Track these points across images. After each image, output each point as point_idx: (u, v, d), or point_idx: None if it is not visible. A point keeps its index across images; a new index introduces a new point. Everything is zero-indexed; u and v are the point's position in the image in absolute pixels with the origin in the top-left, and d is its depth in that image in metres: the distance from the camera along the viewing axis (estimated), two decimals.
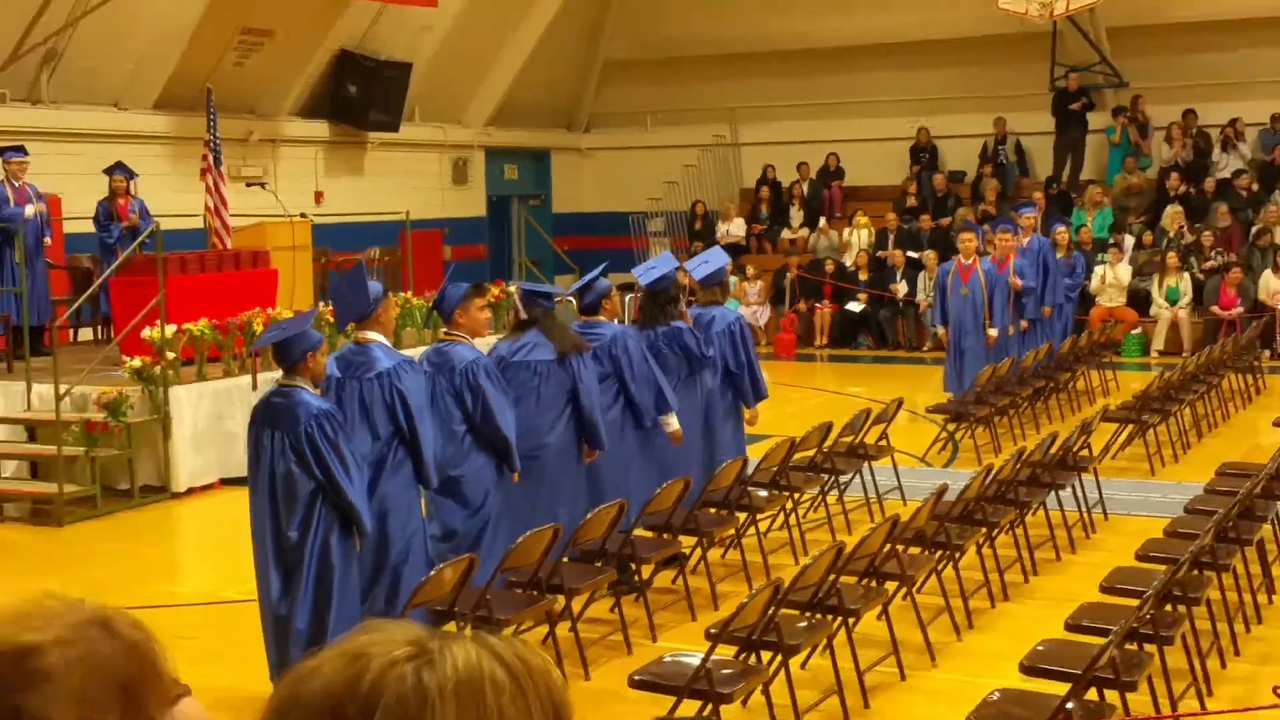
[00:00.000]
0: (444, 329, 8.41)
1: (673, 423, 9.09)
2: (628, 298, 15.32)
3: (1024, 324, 15.23)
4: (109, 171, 14.99)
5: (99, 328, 15.28)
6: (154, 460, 12.19)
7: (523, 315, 8.92)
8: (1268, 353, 18.02)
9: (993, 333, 14.35)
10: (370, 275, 8.30)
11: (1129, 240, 20.40)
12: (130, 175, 15.05)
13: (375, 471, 7.38)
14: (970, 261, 14.44)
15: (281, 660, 6.86)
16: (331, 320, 11.97)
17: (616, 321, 9.48)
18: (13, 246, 13.74)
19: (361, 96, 20.42)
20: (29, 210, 13.95)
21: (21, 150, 14.52)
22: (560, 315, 9.04)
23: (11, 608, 1.40)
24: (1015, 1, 20.90)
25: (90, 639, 1.37)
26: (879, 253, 21.66)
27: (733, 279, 19.08)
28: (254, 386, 12.36)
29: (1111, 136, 22.24)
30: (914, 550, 7.88)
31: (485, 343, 8.85)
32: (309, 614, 6.88)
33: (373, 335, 7.64)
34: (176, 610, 8.73)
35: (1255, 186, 20.94)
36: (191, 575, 10.58)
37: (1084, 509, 10.16)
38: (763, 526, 9.63)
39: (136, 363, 12.11)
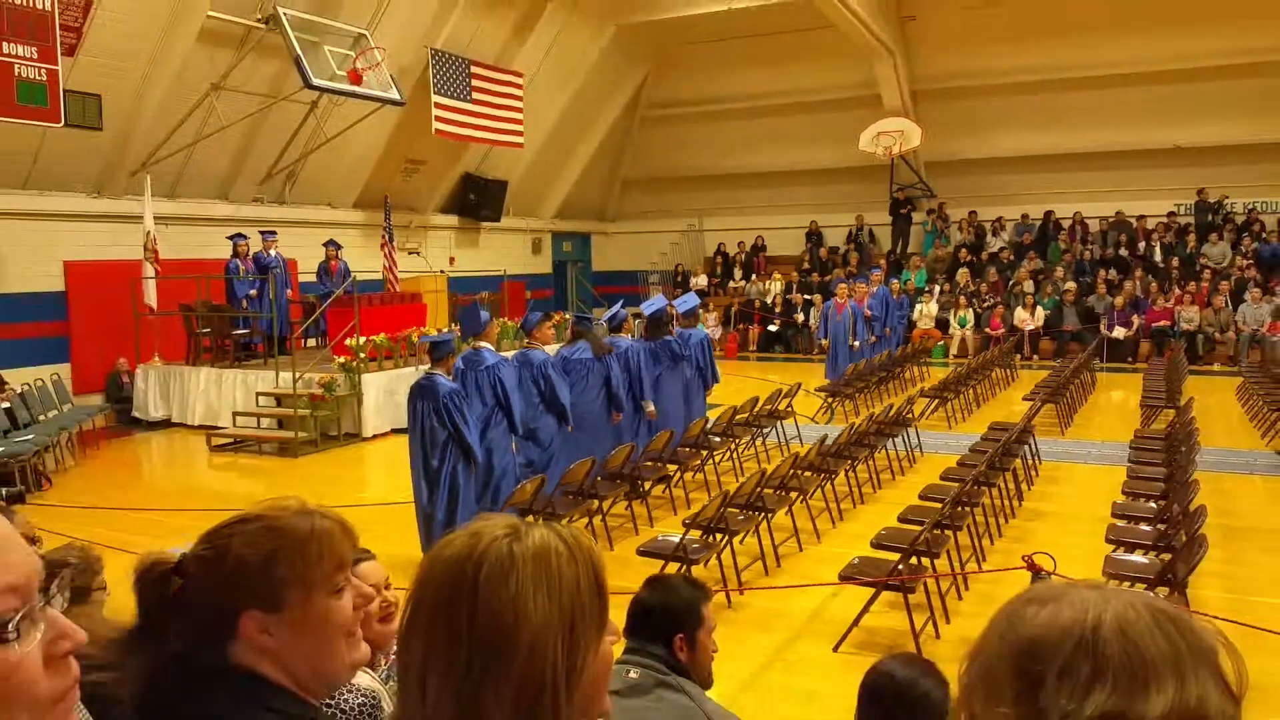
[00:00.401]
0: (526, 340, 8.41)
1: (649, 407, 9.07)
2: (636, 321, 15.28)
3: (873, 338, 15.19)
4: (325, 245, 14.97)
5: (319, 339, 15.27)
6: (352, 418, 12.19)
7: (574, 330, 8.92)
8: (1019, 356, 17.95)
9: (855, 344, 14.37)
10: (481, 307, 8.27)
11: (937, 289, 20.34)
12: (338, 247, 15.04)
13: (484, 426, 7.39)
14: (843, 301, 14.50)
15: (428, 538, 6.86)
16: (460, 334, 11.97)
17: (630, 337, 9.48)
18: (268, 289, 13.76)
19: (478, 201, 20.38)
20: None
21: (274, 233, 14.50)
22: (597, 331, 9.03)
23: (267, 501, 1.42)
24: (869, 146, 20.87)
25: (292, 518, 1.38)
26: (787, 295, 21.61)
27: (701, 311, 19.02)
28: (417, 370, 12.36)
29: (926, 226, 22.16)
30: (808, 474, 7.88)
31: (552, 349, 8.84)
32: (444, 510, 6.89)
33: (483, 344, 7.64)
34: (366, 509, 8.73)
35: (1011, 257, 20.85)
36: (375, 487, 10.59)
37: (909, 449, 10.14)
38: (717, 459, 9.62)
39: (342, 359, 12.11)
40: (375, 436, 12.17)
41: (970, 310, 19.37)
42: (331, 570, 1.37)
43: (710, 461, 9.40)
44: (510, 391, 7.44)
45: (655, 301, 10.03)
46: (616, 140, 24.03)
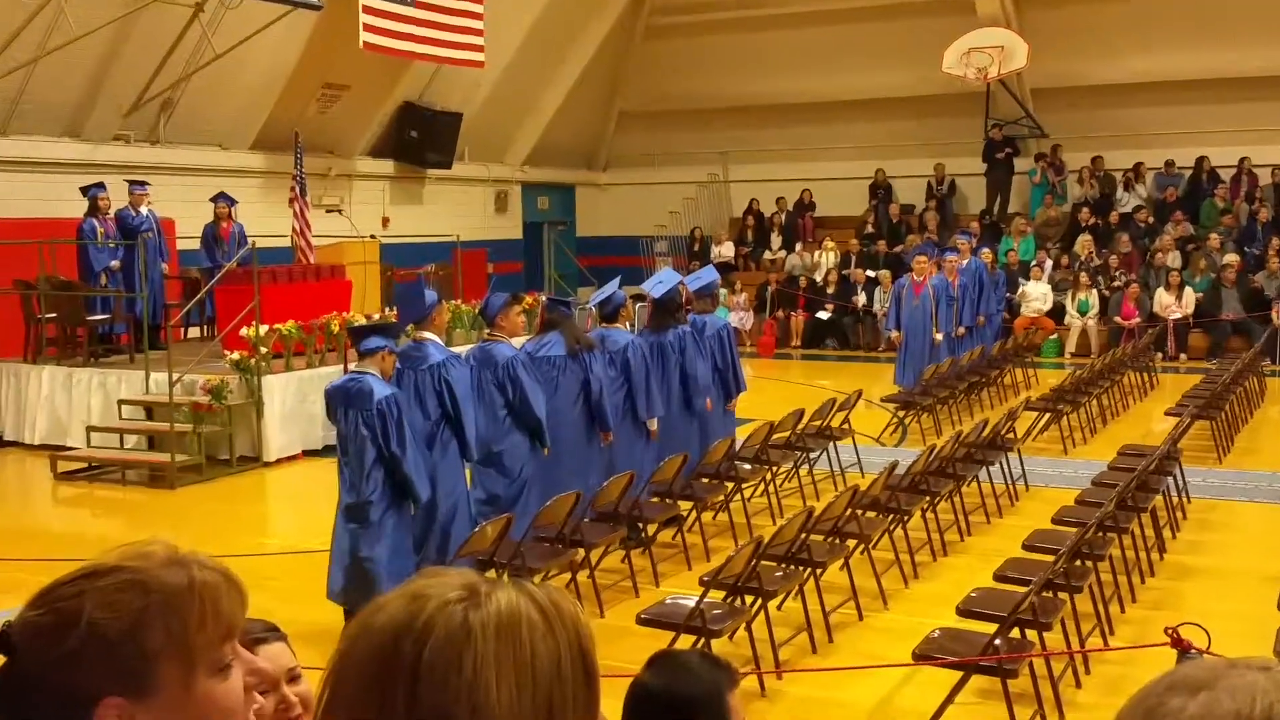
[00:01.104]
0: (487, 330, 8.40)
1: (652, 425, 9.08)
2: (638, 306, 15.28)
3: (961, 330, 15.21)
4: (214, 200, 14.98)
5: (205, 327, 15.28)
6: (249, 435, 12.19)
7: (545, 318, 8.91)
8: (1160, 355, 17.96)
9: (939, 337, 14.37)
10: (426, 285, 8.27)
11: (1049, 262, 20.34)
12: (231, 203, 15.05)
13: (427, 446, 7.40)
14: (921, 279, 14.51)
15: (347, 592, 6.88)
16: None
17: (629, 328, 9.49)
18: (138, 261, 13.74)
19: (421, 140, 20.42)
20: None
21: (144, 184, 14.52)
22: (576, 320, 9.01)
23: (125, 547, 1.41)
24: (956, 67, 20.88)
25: (161, 570, 1.37)
26: (843, 271, 21.62)
27: (722, 291, 19.03)
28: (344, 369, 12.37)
29: (1033, 177, 22.17)
30: (870, 514, 7.87)
31: (520, 342, 8.83)
32: (375, 563, 6.89)
33: (428, 335, 7.65)
34: (266, 558, 8.73)
35: (1151, 220, 20.88)
36: (278, 529, 10.58)
37: (1009, 482, 10.14)
38: (747, 494, 9.62)
39: (236, 356, 12.12)
40: (281, 460, 12.18)
41: (1094, 292, 19.39)
42: (217, 639, 1.36)
43: (738, 497, 9.41)
44: (462, 400, 7.45)
45: (664, 278, 10.03)
46: (610, 59, 24.06)
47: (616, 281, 9.58)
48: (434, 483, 7.32)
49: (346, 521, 6.98)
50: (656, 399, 9.04)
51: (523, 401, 7.91)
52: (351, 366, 7.31)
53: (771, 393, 15.52)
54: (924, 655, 5.50)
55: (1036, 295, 19.58)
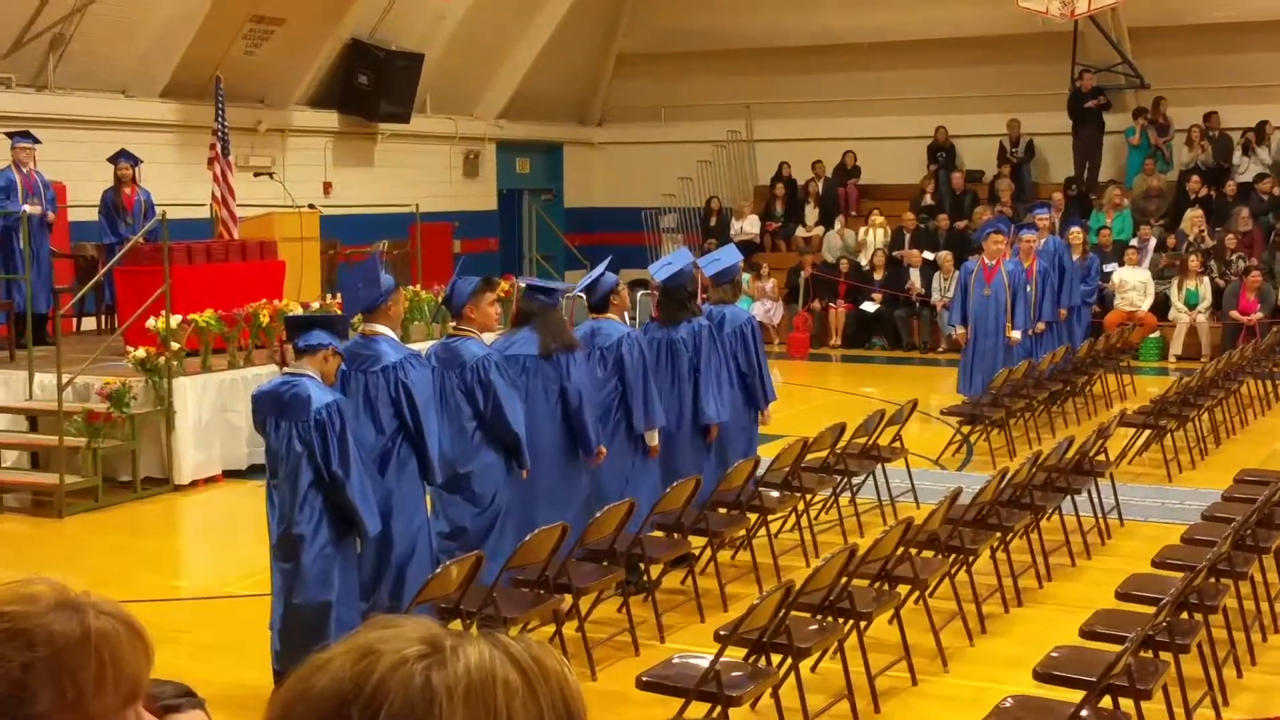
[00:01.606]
0: (453, 324, 8.40)
1: (654, 438, 9.08)
2: (640, 294, 15.30)
3: (1040, 326, 15.16)
4: (113, 160, 14.98)
5: (103, 317, 15.28)
6: (157, 452, 12.18)
7: (519, 308, 8.89)
8: None
9: (1015, 335, 14.32)
10: (381, 266, 8.26)
11: (1150, 243, 20.32)
12: (135, 162, 15.05)
13: (380, 466, 7.39)
14: (993, 262, 14.41)
15: (285, 651, 6.88)
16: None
17: (627, 319, 9.48)
18: (18, 234, 13.75)
19: (372, 87, 20.41)
20: (28, 208, 13.91)
21: (29, 136, 14.51)
22: (558, 312, 8.92)
23: (3, 587, 1.41)
24: (1036, 1, 20.87)
25: (48, 617, 1.37)
26: (895, 252, 21.64)
27: (746, 276, 19.05)
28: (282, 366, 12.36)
29: (1131, 138, 22.19)
30: (927, 554, 7.86)
31: (490, 338, 8.81)
32: (314, 610, 6.89)
33: (380, 328, 7.64)
34: (178, 604, 8.73)
35: (1277, 191, 20.88)
36: (193, 569, 10.59)
37: (1100, 515, 10.14)
38: (774, 528, 9.62)
39: (140, 353, 12.11)
40: (196, 483, 12.19)
41: (1205, 280, 19.40)
42: (118, 703, 1.37)
43: (763, 532, 9.39)
44: (424, 409, 7.45)
45: (673, 260, 10.03)
46: None
47: (606, 263, 9.59)
48: (387, 512, 7.31)
49: (277, 560, 6.98)
50: (657, 406, 9.01)
51: (496, 411, 7.90)
52: (285, 368, 7.31)
53: (805, 402, 15.53)
54: None
55: (1134, 284, 19.60)
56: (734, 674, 6.08)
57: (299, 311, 11.75)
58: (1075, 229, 17.57)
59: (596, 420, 8.59)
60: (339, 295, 10.74)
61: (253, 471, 11.75)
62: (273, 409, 6.92)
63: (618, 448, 8.93)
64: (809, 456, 10.04)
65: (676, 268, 9.75)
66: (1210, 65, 21.76)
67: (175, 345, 12.18)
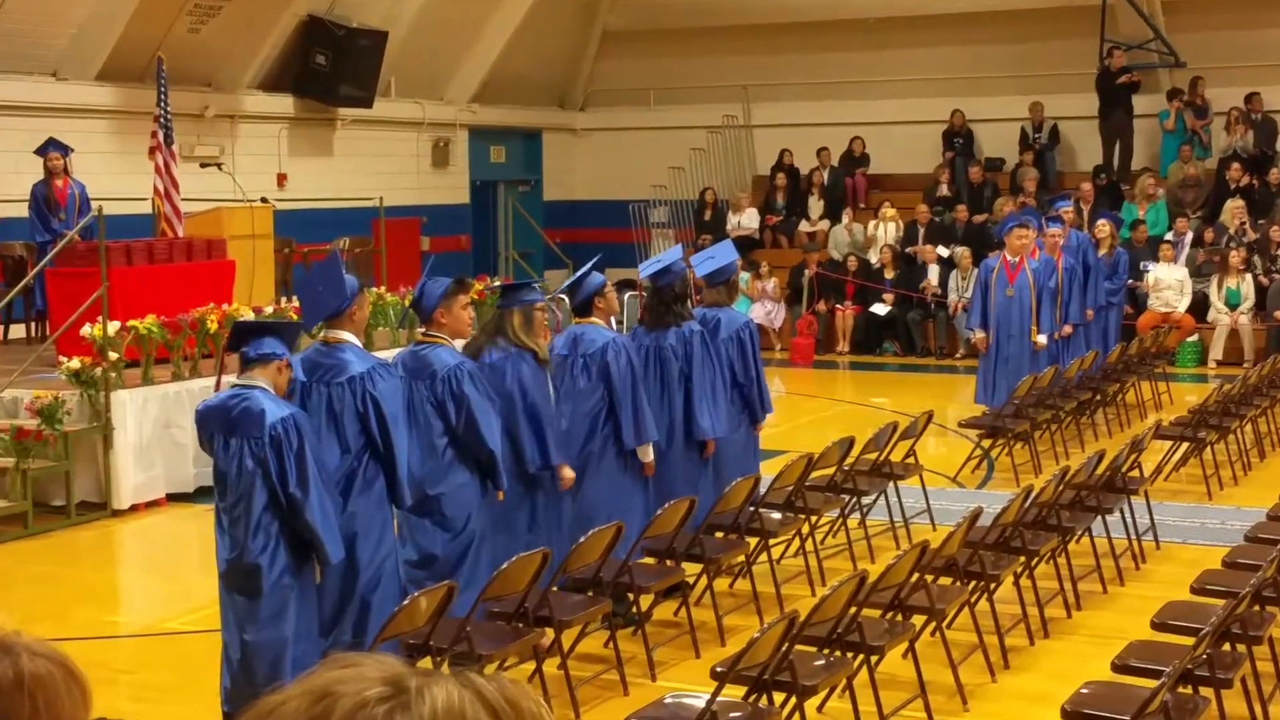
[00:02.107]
0: (422, 330, 8.39)
1: (648, 454, 9.08)
2: (627, 296, 15.30)
3: (1067, 329, 15.14)
4: (40, 151, 14.93)
5: (33, 324, 15.25)
6: (93, 473, 12.14)
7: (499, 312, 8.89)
8: None
9: (1041, 339, 14.27)
10: (343, 267, 8.24)
11: (1187, 237, 20.33)
12: (65, 152, 14.98)
13: (344, 488, 7.36)
14: (1016, 259, 14.34)
15: (235, 691, 6.86)
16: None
17: (614, 323, 9.46)
18: None
19: (331, 68, 20.37)
20: None
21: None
22: (508, 314, 8.70)
23: None
24: None
25: None
26: (908, 248, 21.63)
27: (744, 276, 19.06)
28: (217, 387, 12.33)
29: (1165, 122, 22.21)
30: (944, 581, 7.86)
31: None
32: (268, 647, 6.87)
33: (344, 335, 7.62)
34: (116, 642, 8.70)
35: None
36: (134, 603, 10.55)
37: (1134, 536, 10.13)
38: (776, 553, 9.60)
39: (75, 363, 12.08)
40: (137, 508, 12.16)
41: (1248, 278, 19.43)
42: None
43: (764, 558, 9.39)
44: (393, 424, 7.44)
45: (666, 257, 10.03)
46: None
47: (593, 262, 9.59)
48: (350, 538, 7.30)
49: (227, 591, 6.96)
50: (649, 419, 9.01)
51: (470, 426, 7.90)
52: (234, 379, 7.28)
53: (810, 414, 15.53)
54: None
55: (1169, 282, 19.62)
56: (732, 715, 6.09)
57: (250, 317, 11.74)
58: (1102, 222, 17.52)
59: (558, 433, 8.52)
60: (295, 299, 10.73)
61: (200, 495, 11.72)
62: (221, 425, 6.90)
63: (606, 465, 8.93)
64: (814, 474, 10.03)
65: (664, 265, 9.73)
66: (1252, 41, 21.83)
67: (113, 355, 12.15)
